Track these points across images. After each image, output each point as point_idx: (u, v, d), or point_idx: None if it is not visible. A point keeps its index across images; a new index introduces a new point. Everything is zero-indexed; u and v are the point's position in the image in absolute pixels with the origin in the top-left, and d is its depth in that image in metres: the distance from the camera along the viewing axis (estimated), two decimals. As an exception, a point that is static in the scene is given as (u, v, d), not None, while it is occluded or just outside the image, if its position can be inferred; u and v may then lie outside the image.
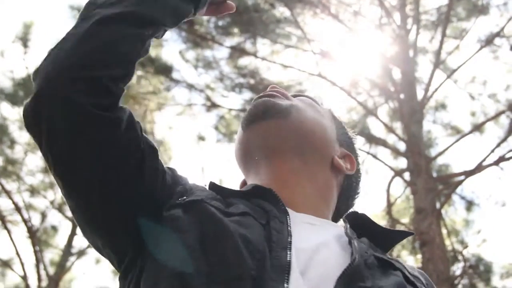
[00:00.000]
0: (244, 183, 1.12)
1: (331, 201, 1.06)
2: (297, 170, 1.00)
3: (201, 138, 10.17)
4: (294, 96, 1.14)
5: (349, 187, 1.12)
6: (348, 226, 0.88)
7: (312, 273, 0.75)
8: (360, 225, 0.94)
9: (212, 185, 0.97)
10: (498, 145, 7.02)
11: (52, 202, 11.68)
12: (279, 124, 1.01)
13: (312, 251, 0.79)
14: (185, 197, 0.87)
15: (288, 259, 0.75)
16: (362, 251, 0.82)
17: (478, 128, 8.56)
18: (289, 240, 0.79)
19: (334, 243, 0.84)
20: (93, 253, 12.35)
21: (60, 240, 12.31)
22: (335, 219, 1.09)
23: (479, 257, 8.01)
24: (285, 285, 0.71)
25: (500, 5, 8.22)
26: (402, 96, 7.83)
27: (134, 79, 10.35)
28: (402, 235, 0.99)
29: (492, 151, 6.84)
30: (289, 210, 0.89)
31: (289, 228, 0.81)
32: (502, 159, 6.87)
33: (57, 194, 11.73)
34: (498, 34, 7.86)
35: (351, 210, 1.04)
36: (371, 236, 0.93)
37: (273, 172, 1.00)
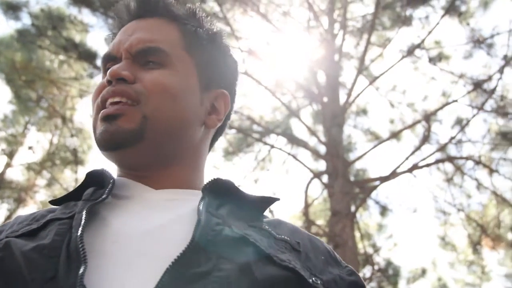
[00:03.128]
0: None
1: (204, 159, 1.03)
2: (168, 168, 0.95)
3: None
4: (137, 56, 0.95)
5: (226, 119, 1.07)
6: (206, 198, 0.83)
7: (135, 262, 0.71)
8: (226, 192, 0.88)
9: (51, 202, 0.93)
10: (413, 153, 7.28)
11: None
12: (135, 150, 0.90)
13: (137, 238, 0.75)
14: None
15: (79, 246, 0.70)
16: (211, 227, 0.76)
17: (395, 135, 8.84)
18: (82, 224, 0.74)
19: (181, 223, 0.79)
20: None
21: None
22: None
23: (389, 261, 8.28)
24: (80, 271, 0.66)
25: (422, 18, 8.52)
26: (325, 99, 7.95)
27: (56, 64, 10.04)
28: (268, 201, 0.93)
29: (407, 158, 7.08)
30: (146, 188, 0.88)
31: (83, 215, 0.76)
32: (415, 167, 7.14)
33: None
34: (418, 46, 8.13)
35: (215, 177, 0.89)
36: (238, 204, 0.88)
37: (139, 174, 0.95)
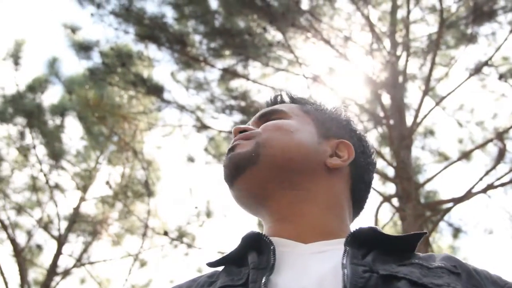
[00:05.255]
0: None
1: (342, 207, 1.05)
2: (294, 201, 1.00)
3: (191, 159, 10.16)
4: (261, 118, 1.12)
5: (358, 169, 1.10)
6: (349, 250, 0.86)
7: None
8: (369, 240, 0.90)
9: (209, 265, 1.00)
10: (487, 173, 7.08)
11: (38, 221, 11.57)
12: (252, 173, 0.99)
13: None
14: None
15: None
16: (358, 275, 0.79)
17: (465, 155, 8.64)
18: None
19: (332, 276, 0.83)
20: (78, 272, 12.24)
21: (45, 260, 12.18)
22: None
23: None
24: None
25: (488, 35, 8.35)
26: (391, 121, 7.88)
27: (125, 99, 10.39)
28: (415, 238, 0.94)
29: (481, 179, 6.89)
30: (297, 245, 0.92)
31: (262, 285, 0.81)
32: (490, 187, 6.93)
33: (44, 213, 11.64)
34: (486, 63, 7.96)
35: (356, 228, 0.92)
36: (383, 247, 0.90)
37: (273, 214, 1.01)
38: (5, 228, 10.52)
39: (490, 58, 7.90)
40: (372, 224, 0.94)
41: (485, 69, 8.27)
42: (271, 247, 0.89)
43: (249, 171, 0.99)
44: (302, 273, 0.85)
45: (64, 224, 11.71)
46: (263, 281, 0.81)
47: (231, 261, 0.96)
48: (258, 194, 1.01)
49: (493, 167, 7.25)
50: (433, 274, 0.82)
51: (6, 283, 10.08)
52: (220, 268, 0.97)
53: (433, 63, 7.80)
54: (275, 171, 0.99)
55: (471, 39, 8.15)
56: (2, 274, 10.08)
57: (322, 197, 1.02)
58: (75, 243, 11.94)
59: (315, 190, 1.01)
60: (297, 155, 1.01)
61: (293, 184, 1.00)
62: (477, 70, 8.00)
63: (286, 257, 0.89)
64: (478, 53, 12.18)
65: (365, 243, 0.89)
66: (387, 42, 8.76)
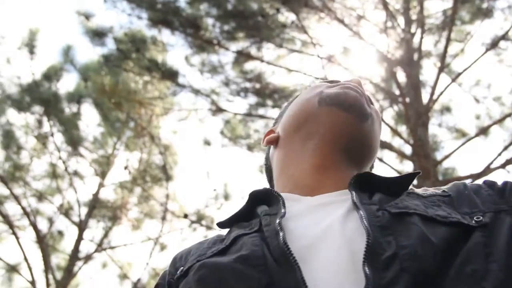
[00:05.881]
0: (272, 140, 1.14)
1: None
2: (338, 169, 1.02)
3: (207, 142, 10.21)
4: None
5: None
6: (355, 193, 0.89)
7: (335, 260, 0.76)
8: (369, 183, 0.95)
9: (219, 225, 1.02)
10: (505, 148, 7.04)
11: (59, 207, 11.72)
12: (363, 128, 1.03)
13: (323, 239, 0.81)
14: (182, 268, 0.90)
15: (286, 251, 0.76)
16: (373, 215, 0.82)
17: (483, 131, 8.58)
18: (281, 233, 0.80)
19: (348, 220, 0.84)
20: (99, 257, 12.40)
21: (67, 245, 12.36)
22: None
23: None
24: (300, 273, 0.72)
25: (504, 8, 8.24)
26: (407, 99, 7.84)
27: (140, 84, 10.43)
28: (411, 177, 0.97)
29: (499, 154, 6.86)
30: (305, 198, 0.95)
31: (276, 225, 0.83)
32: (509, 162, 6.90)
33: (64, 199, 11.78)
34: (503, 37, 7.88)
35: (356, 174, 0.98)
36: (383, 189, 0.93)
37: (318, 162, 1.02)
38: (27, 215, 10.68)
39: (507, 32, 7.81)
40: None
41: (502, 44, 8.19)
42: (280, 199, 0.91)
43: (363, 124, 1.03)
44: (316, 219, 0.87)
45: (84, 210, 11.88)
46: (277, 222, 0.83)
47: (241, 218, 0.98)
48: (349, 148, 1.03)
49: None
50: (432, 204, 0.86)
51: (30, 269, 10.26)
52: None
53: (448, 39, 7.73)
54: (365, 143, 1.05)
55: (487, 13, 8.07)
56: (26, 260, 10.26)
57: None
58: (95, 229, 12.12)
59: (350, 171, 1.05)
60: (375, 150, 1.10)
61: (356, 163, 1.05)
62: (494, 44, 7.93)
63: (296, 208, 0.91)
64: (494, 27, 12.05)
65: (367, 187, 0.93)
66: (401, 20, 8.69)
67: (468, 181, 0.96)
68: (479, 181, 0.94)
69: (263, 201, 0.98)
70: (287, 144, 1.09)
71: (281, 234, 0.80)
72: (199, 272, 0.81)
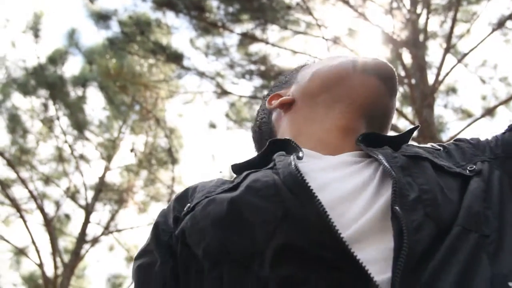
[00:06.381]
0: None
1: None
2: (358, 133, 1.00)
3: (212, 125, 10.22)
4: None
5: None
6: (363, 145, 0.92)
7: (354, 194, 0.78)
8: (377, 140, 0.96)
9: (232, 167, 1.00)
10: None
11: (65, 191, 11.77)
12: (391, 102, 1.07)
13: (341, 178, 0.83)
14: (188, 205, 0.89)
15: (300, 178, 0.75)
16: (391, 156, 0.85)
17: (489, 112, 8.55)
18: (294, 163, 0.80)
19: (365, 167, 0.87)
20: (106, 240, 12.49)
21: (74, 228, 12.44)
22: None
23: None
24: (315, 201, 0.71)
25: (511, -12, 8.17)
26: (413, 80, 7.81)
27: (145, 67, 10.43)
28: (410, 131, 1.01)
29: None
30: (324, 156, 0.95)
31: (291, 159, 0.82)
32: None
33: (70, 183, 11.83)
34: (509, 17, 7.81)
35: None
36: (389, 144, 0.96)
37: (345, 123, 1.03)
38: (34, 198, 10.74)
39: (514, 12, 7.75)
40: None
41: (508, 23, 8.12)
42: (299, 149, 0.91)
43: (393, 98, 1.07)
44: (332, 164, 0.90)
45: (90, 194, 11.94)
46: (291, 157, 0.83)
47: (256, 165, 0.93)
48: (374, 111, 1.05)
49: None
50: (432, 155, 0.90)
51: (38, 252, 10.34)
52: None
53: (454, 20, 7.68)
54: (382, 118, 1.07)
55: (494, -7, 8.00)
56: (34, 243, 10.34)
57: None
58: (102, 212, 12.18)
59: None
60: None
61: (368, 131, 1.05)
62: (500, 24, 7.87)
63: (312, 163, 0.91)
64: (500, 7, 11.94)
65: (374, 144, 0.94)
66: (406, 0, 8.63)
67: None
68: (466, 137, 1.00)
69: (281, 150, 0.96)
70: (307, 106, 1.08)
71: (293, 163, 0.79)
72: (208, 206, 0.80)
